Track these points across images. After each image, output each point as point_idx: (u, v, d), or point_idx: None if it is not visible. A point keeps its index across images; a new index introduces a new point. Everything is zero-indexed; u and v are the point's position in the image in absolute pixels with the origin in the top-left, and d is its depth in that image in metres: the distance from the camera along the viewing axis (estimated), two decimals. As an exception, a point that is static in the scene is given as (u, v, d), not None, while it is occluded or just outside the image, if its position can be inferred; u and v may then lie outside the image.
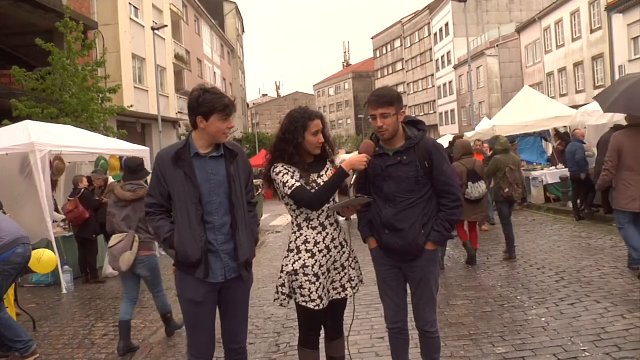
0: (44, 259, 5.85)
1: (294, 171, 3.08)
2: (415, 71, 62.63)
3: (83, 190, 8.30)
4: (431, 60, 57.46)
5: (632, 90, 6.62)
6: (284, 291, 3.13)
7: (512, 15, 49.07)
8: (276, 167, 3.11)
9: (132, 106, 18.76)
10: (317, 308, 3.04)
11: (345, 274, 3.20)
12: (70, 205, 7.97)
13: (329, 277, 3.14)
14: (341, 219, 3.30)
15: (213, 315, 3.11)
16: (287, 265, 3.12)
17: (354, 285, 3.23)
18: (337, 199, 3.22)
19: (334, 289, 3.18)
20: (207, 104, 2.92)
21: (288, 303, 3.17)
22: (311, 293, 3.03)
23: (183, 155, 2.99)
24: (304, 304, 3.05)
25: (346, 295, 3.20)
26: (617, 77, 24.98)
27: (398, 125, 3.10)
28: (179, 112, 27.58)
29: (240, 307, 3.16)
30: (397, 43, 67.61)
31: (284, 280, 3.13)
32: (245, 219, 3.08)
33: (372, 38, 75.40)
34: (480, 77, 44.49)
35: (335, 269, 3.17)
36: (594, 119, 11.75)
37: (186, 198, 2.96)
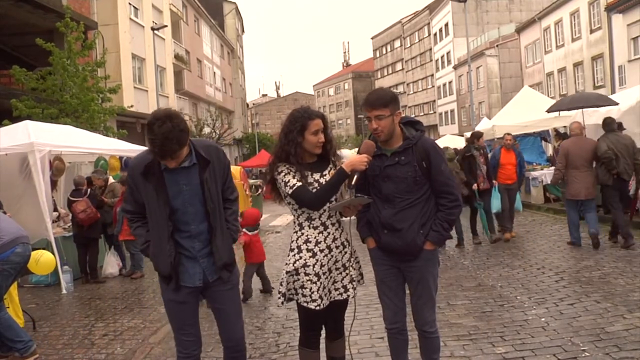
0: (42, 261, 5.86)
1: (296, 171, 3.08)
2: (415, 71, 62.62)
3: (89, 190, 8.33)
4: (431, 60, 57.45)
5: (575, 96, 12.17)
6: (281, 290, 3.14)
7: (512, 15, 49.07)
8: (278, 167, 3.12)
9: (132, 106, 18.78)
10: (317, 308, 3.03)
11: (347, 274, 3.20)
12: (81, 206, 7.95)
13: (330, 277, 3.14)
14: (344, 218, 3.30)
15: (195, 315, 3.14)
16: (288, 264, 3.12)
17: (354, 286, 3.23)
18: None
19: (336, 289, 3.18)
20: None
21: (282, 303, 3.17)
22: (312, 293, 3.03)
23: (152, 169, 2.91)
24: (304, 304, 3.05)
25: (347, 296, 3.20)
26: (617, 77, 25.04)
27: (394, 126, 3.10)
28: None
29: (229, 306, 3.16)
30: (397, 43, 67.60)
31: (283, 279, 3.14)
32: (221, 224, 3.06)
33: (372, 38, 75.41)
34: (480, 77, 44.50)
35: (337, 269, 3.17)
36: (593, 118, 11.77)
37: (156, 213, 2.95)
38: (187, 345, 3.09)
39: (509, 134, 9.86)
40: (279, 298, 3.16)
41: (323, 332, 3.32)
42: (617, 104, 10.67)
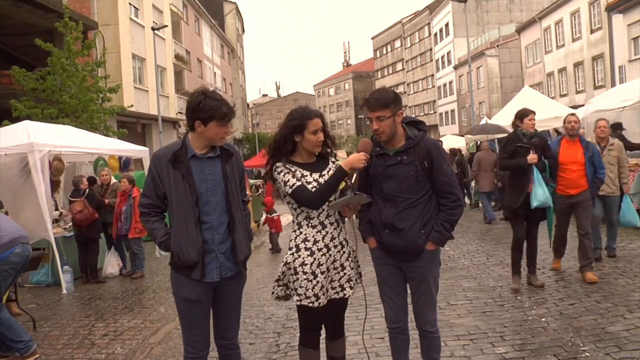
0: None
1: (295, 170, 3.09)
2: (415, 71, 62.60)
3: (88, 190, 8.31)
4: (431, 61, 57.44)
5: (482, 126, 15.42)
6: (279, 284, 3.17)
7: (512, 15, 49.04)
8: (278, 167, 3.12)
9: (132, 106, 18.77)
10: (312, 305, 3.04)
11: (345, 274, 3.20)
12: (78, 206, 7.94)
13: (328, 276, 3.14)
14: (345, 217, 3.30)
15: (208, 314, 3.13)
16: (287, 263, 3.13)
17: (352, 285, 3.23)
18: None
19: (333, 288, 3.17)
20: (207, 110, 2.90)
21: (276, 298, 3.19)
22: (307, 291, 3.04)
23: (180, 156, 3.00)
24: (298, 302, 3.06)
25: (344, 295, 3.20)
26: (617, 77, 25.01)
27: (395, 126, 3.09)
28: (179, 112, 27.58)
29: (233, 304, 3.18)
30: (397, 43, 67.56)
31: (280, 276, 3.16)
32: (241, 218, 3.12)
33: (372, 38, 75.35)
34: (480, 77, 44.47)
35: (335, 268, 3.17)
36: (590, 112, 12.04)
37: (183, 200, 2.97)
38: (196, 345, 3.09)
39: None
40: (272, 292, 3.20)
41: (323, 332, 3.32)
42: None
